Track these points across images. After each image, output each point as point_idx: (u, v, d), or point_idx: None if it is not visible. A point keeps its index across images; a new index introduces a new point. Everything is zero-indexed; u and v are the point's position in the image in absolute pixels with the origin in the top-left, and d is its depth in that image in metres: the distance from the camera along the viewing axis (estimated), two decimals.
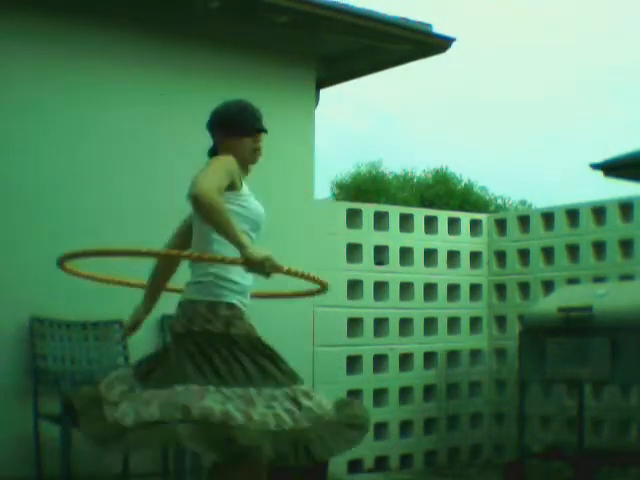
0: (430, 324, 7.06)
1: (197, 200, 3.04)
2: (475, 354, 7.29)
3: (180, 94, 5.82)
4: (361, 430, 3.27)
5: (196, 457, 5.10)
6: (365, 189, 18.67)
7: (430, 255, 7.11)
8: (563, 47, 42.78)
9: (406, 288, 6.94)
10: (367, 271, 6.71)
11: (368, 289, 6.71)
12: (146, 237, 5.74)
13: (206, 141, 5.27)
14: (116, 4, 5.56)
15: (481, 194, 19.55)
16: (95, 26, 5.57)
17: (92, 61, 5.56)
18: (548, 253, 7.04)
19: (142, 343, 5.66)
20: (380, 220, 6.85)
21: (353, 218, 6.71)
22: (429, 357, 7.04)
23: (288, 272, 3.30)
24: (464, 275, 7.28)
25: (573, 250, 6.88)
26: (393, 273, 6.86)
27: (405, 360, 6.90)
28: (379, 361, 6.76)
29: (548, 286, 6.89)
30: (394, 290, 6.85)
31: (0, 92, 5.30)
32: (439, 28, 6.39)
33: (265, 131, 3.43)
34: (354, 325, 6.63)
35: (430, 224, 7.14)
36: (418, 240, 7.03)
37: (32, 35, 5.37)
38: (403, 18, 6.29)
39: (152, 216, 5.68)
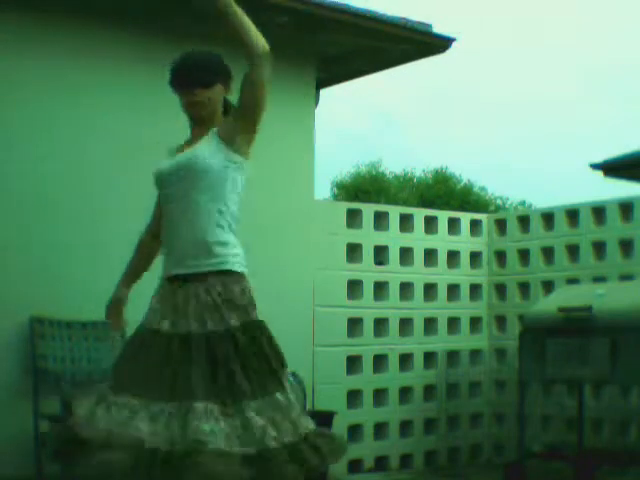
0: (430, 324, 7.06)
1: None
2: (475, 354, 7.29)
3: None
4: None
5: None
6: (365, 189, 18.69)
7: (430, 255, 7.11)
8: (563, 47, 42.77)
9: (406, 288, 6.94)
10: (367, 271, 6.71)
11: (368, 289, 6.71)
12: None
13: None
14: (117, 5, 5.56)
15: (481, 194, 19.56)
16: (96, 27, 5.57)
17: (93, 61, 5.56)
18: (548, 253, 7.04)
19: None
20: (380, 220, 6.85)
21: (353, 218, 6.71)
22: (429, 357, 7.04)
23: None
24: (464, 275, 7.28)
25: (573, 250, 6.88)
26: (393, 273, 6.86)
27: (405, 360, 6.90)
28: (379, 361, 6.76)
29: (548, 286, 6.89)
30: (394, 290, 6.85)
31: (2, 94, 5.30)
32: (439, 28, 6.40)
33: (172, 87, 3.41)
34: (354, 325, 6.63)
35: (430, 224, 7.14)
36: (418, 240, 7.03)
37: (34, 35, 5.37)
38: (403, 18, 6.29)
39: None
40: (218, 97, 3.33)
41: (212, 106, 3.32)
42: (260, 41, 3.21)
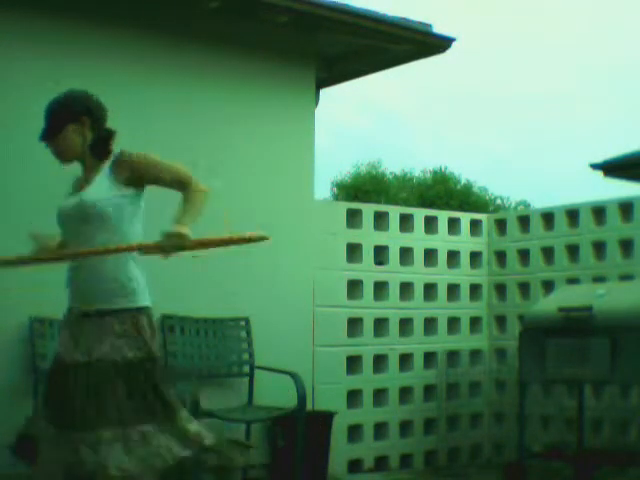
0: (430, 324, 7.06)
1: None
2: (475, 354, 7.29)
3: (180, 94, 5.81)
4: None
5: None
6: (365, 189, 18.68)
7: (430, 255, 7.11)
8: (563, 46, 42.78)
9: (406, 288, 6.94)
10: (367, 271, 6.71)
11: (368, 289, 6.71)
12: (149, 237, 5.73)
13: (204, 138, 5.29)
14: (116, 4, 5.56)
15: (481, 194, 19.56)
16: (95, 27, 5.57)
17: (92, 62, 5.55)
18: (548, 253, 7.04)
19: None
20: (380, 220, 6.85)
21: (353, 218, 6.71)
22: (429, 357, 7.04)
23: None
24: (464, 275, 7.28)
25: (573, 250, 6.88)
26: (393, 273, 6.86)
27: (405, 360, 6.90)
28: (379, 361, 6.75)
29: (548, 286, 6.89)
30: (394, 290, 6.85)
31: (1, 95, 5.30)
32: (439, 28, 6.40)
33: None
34: (354, 325, 6.63)
35: (430, 224, 7.14)
36: (418, 240, 7.02)
37: (32, 36, 5.37)
38: (403, 18, 6.29)
39: (155, 218, 5.68)
40: (73, 137, 3.51)
41: (71, 147, 3.52)
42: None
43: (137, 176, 3.43)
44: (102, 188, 3.41)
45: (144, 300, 3.42)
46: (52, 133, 3.47)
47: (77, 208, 3.42)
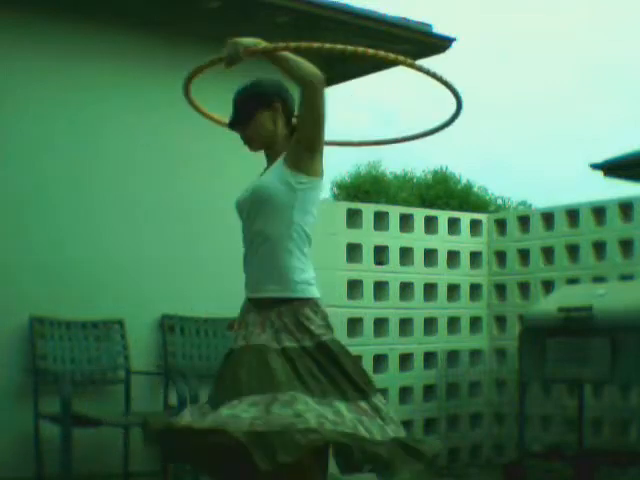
0: (430, 324, 7.06)
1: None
2: (475, 354, 7.29)
3: (180, 94, 5.80)
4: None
5: None
6: (365, 189, 18.66)
7: (430, 255, 7.11)
8: (564, 46, 42.79)
9: (406, 288, 6.94)
10: (367, 271, 6.71)
11: (368, 289, 6.71)
12: (143, 239, 5.74)
13: (207, 140, 5.26)
14: (116, 5, 5.56)
15: (481, 194, 19.54)
16: (95, 27, 5.57)
17: (92, 62, 5.56)
18: (548, 253, 7.04)
19: (142, 342, 5.66)
20: (380, 220, 6.85)
21: (353, 218, 6.71)
22: (429, 357, 7.04)
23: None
24: (464, 275, 7.28)
25: (573, 250, 6.88)
26: (393, 273, 6.85)
27: (405, 360, 6.90)
28: (379, 361, 6.75)
29: (548, 286, 6.89)
30: (394, 290, 6.85)
31: (1, 94, 5.30)
32: (439, 28, 6.40)
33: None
34: (354, 325, 6.63)
35: (430, 224, 7.14)
36: (418, 240, 7.02)
37: (33, 37, 5.37)
38: (403, 18, 6.29)
39: (154, 218, 5.69)
40: (265, 123, 3.36)
41: (262, 135, 3.36)
42: (310, 73, 3.23)
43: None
44: (277, 173, 3.31)
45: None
46: (244, 120, 3.36)
47: (251, 195, 3.32)
